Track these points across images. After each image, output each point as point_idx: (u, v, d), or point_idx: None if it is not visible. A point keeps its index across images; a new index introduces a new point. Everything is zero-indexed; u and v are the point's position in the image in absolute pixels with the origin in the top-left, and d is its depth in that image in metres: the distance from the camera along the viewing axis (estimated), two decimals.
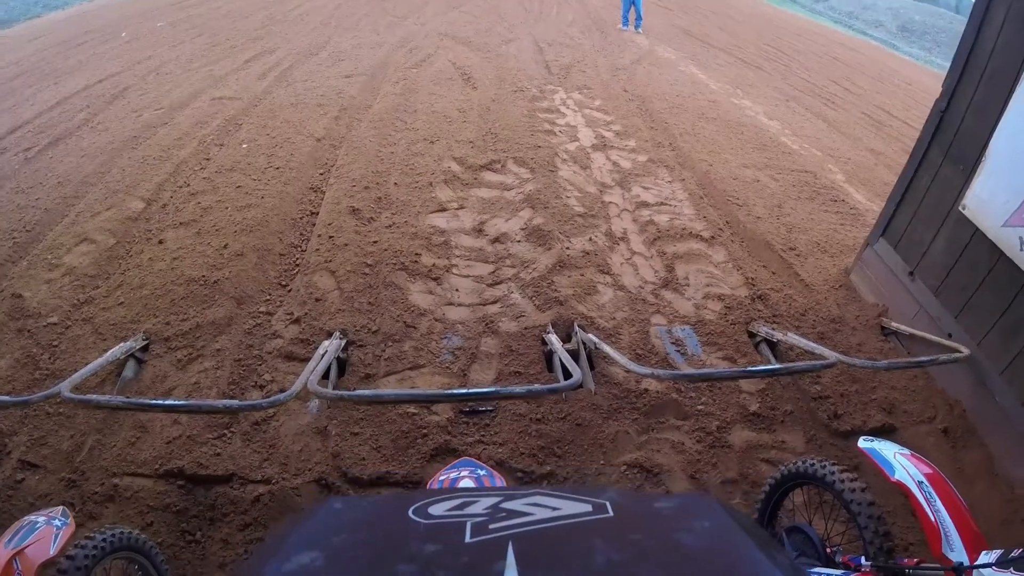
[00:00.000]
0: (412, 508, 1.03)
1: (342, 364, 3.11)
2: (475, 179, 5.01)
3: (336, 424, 2.81)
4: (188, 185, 4.74)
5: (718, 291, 3.86)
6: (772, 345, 3.38)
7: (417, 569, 0.88)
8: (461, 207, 4.60)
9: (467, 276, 3.86)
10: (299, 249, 4.04)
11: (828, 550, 1.86)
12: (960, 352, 2.95)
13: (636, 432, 2.88)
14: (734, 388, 3.11)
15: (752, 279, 3.96)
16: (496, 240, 4.21)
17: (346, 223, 4.21)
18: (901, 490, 1.83)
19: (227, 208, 4.38)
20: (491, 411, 2.91)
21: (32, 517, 1.76)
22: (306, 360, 3.04)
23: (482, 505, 1.03)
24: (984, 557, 1.58)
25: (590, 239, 4.25)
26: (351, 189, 4.66)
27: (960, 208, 3.12)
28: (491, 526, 0.96)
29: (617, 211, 4.76)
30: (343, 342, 3.18)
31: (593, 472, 2.70)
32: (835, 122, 7.73)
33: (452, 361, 3.21)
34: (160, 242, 4.01)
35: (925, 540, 1.76)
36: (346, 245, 3.97)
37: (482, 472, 1.94)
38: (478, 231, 4.31)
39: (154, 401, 2.53)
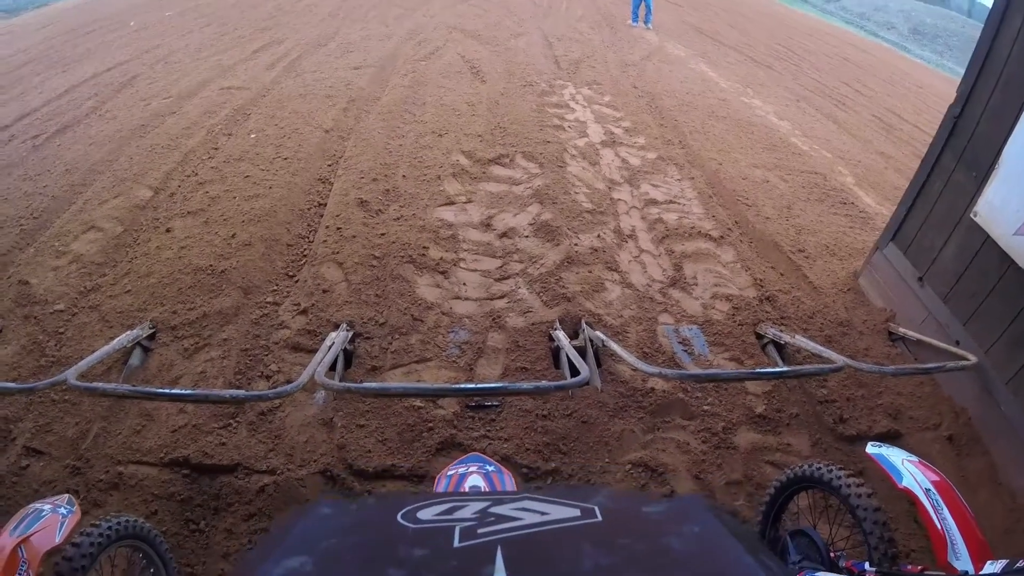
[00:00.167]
0: (401, 513, 1.02)
1: (348, 356, 3.11)
2: (483, 173, 5.00)
3: (342, 416, 2.81)
4: (196, 174, 4.73)
5: (726, 291, 3.85)
6: (779, 347, 3.37)
7: (406, 574, 0.88)
8: (469, 201, 4.59)
9: (475, 270, 3.86)
10: (307, 240, 4.04)
11: (832, 555, 1.85)
12: (967, 360, 2.93)
13: (642, 431, 2.88)
14: (740, 389, 3.11)
15: (760, 280, 3.95)
16: (504, 235, 4.20)
17: (354, 215, 4.21)
18: (908, 497, 1.82)
19: (235, 198, 4.37)
20: (497, 406, 2.91)
21: (37, 505, 1.76)
22: (313, 351, 3.04)
23: (471, 510, 1.03)
24: (989, 567, 1.58)
25: (598, 236, 4.23)
26: (359, 181, 4.65)
27: (972, 215, 3.09)
28: (480, 531, 0.96)
29: (626, 208, 4.74)
30: (350, 334, 3.18)
31: (598, 470, 2.70)
32: (845, 124, 7.68)
33: (459, 355, 3.21)
34: (168, 231, 4.02)
35: (930, 548, 1.75)
36: (354, 237, 3.97)
37: (491, 468, 1.94)
38: (486, 225, 4.30)
39: (160, 390, 2.52)
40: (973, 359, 2.92)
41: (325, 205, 4.40)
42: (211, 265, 3.64)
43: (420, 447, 2.71)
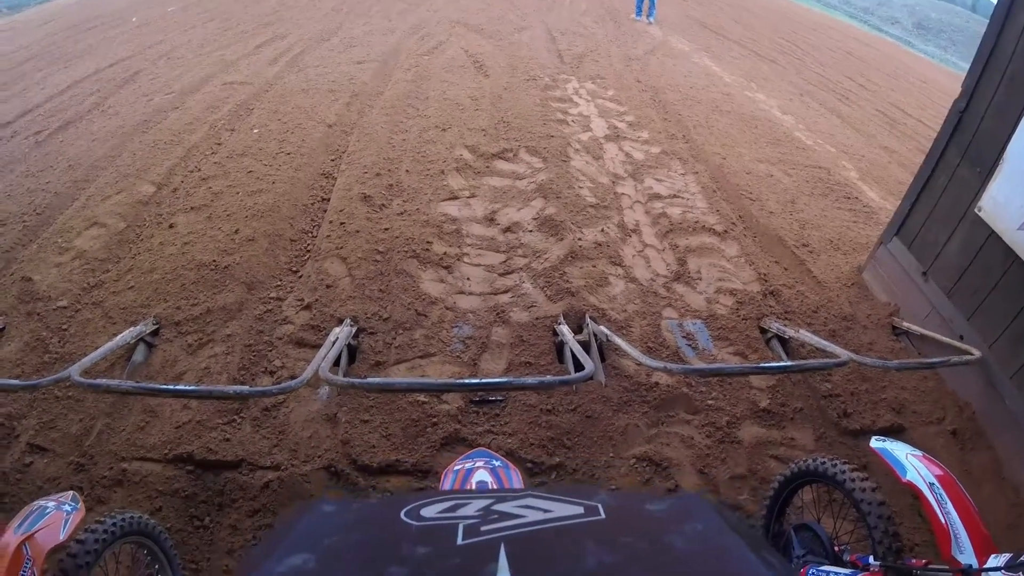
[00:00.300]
0: (404, 510, 1.03)
1: (352, 351, 3.12)
2: (487, 167, 4.99)
3: (346, 411, 2.81)
4: (199, 169, 4.73)
5: (730, 286, 3.84)
6: (783, 342, 3.37)
7: (409, 571, 0.88)
8: (473, 195, 4.58)
9: (478, 265, 3.85)
10: (310, 235, 4.04)
11: (836, 548, 1.85)
12: (971, 354, 2.93)
13: (646, 425, 2.88)
14: (744, 384, 3.10)
15: (764, 275, 3.94)
16: (508, 229, 4.19)
17: (357, 210, 4.20)
18: (912, 491, 1.82)
19: (238, 193, 4.37)
20: (501, 401, 2.91)
21: (42, 502, 1.77)
22: (316, 347, 3.05)
23: (474, 507, 1.03)
24: (993, 560, 1.58)
25: (602, 230, 4.22)
26: (362, 176, 4.65)
27: (976, 210, 3.08)
28: (483, 528, 0.96)
29: (630, 203, 4.73)
30: (354, 329, 3.18)
31: (602, 464, 2.70)
32: (849, 118, 7.64)
33: (463, 350, 3.21)
34: (171, 226, 4.02)
35: (934, 541, 1.75)
36: (357, 232, 3.97)
37: (497, 463, 1.94)
38: (490, 220, 4.30)
39: (164, 386, 2.53)
40: (977, 354, 2.92)
41: (328, 200, 4.40)
42: (214, 261, 3.64)
43: (424, 442, 2.72)
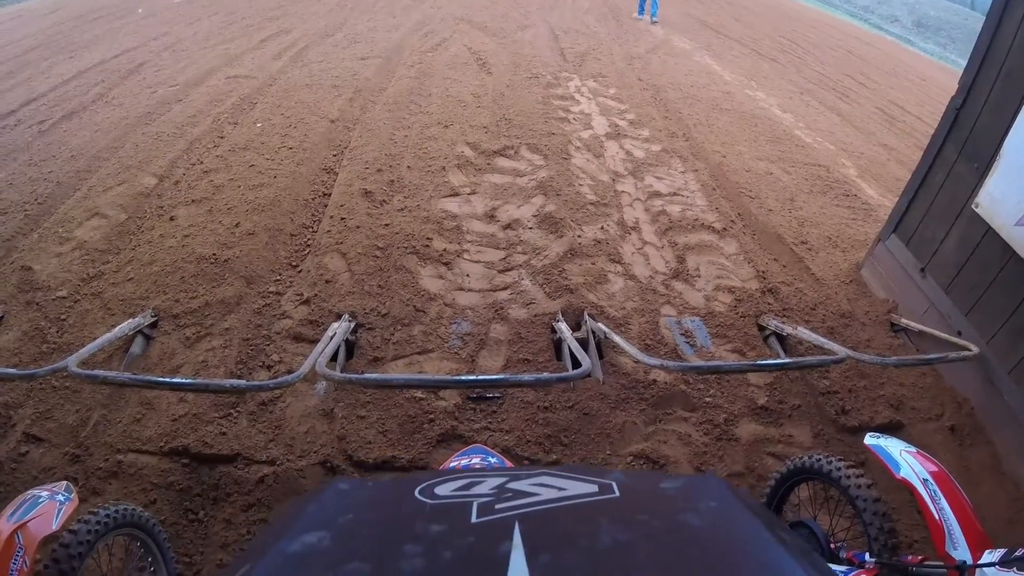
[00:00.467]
0: (418, 488, 1.02)
1: (350, 347, 3.12)
2: (488, 164, 4.98)
3: (343, 407, 2.81)
4: (201, 162, 4.73)
5: (729, 283, 3.84)
6: (781, 339, 3.37)
7: (423, 549, 0.88)
8: (473, 192, 4.57)
9: (478, 262, 3.85)
10: (310, 230, 4.04)
11: (832, 546, 1.85)
12: (969, 350, 2.93)
13: (643, 423, 2.88)
14: (742, 381, 3.10)
15: (763, 272, 3.93)
16: (508, 226, 4.19)
17: (358, 205, 4.20)
18: (906, 487, 1.82)
19: (239, 187, 4.37)
20: (498, 398, 2.91)
21: (35, 491, 1.76)
22: (314, 342, 3.04)
23: (488, 485, 1.03)
24: (987, 556, 1.58)
25: (602, 228, 4.22)
26: (364, 171, 4.65)
27: (973, 206, 3.09)
28: (497, 506, 0.95)
29: (629, 200, 4.73)
30: (352, 325, 3.18)
31: (599, 462, 2.70)
32: (849, 116, 7.63)
33: (461, 347, 3.21)
34: (171, 219, 4.02)
35: (930, 538, 1.75)
36: (358, 227, 3.97)
37: (493, 460, 1.94)
38: (490, 217, 4.29)
39: (161, 379, 2.52)
40: (975, 349, 2.92)
41: (330, 195, 4.40)
42: (214, 254, 3.64)
43: (421, 438, 2.72)
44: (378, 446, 2.67)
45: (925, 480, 1.75)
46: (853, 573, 1.70)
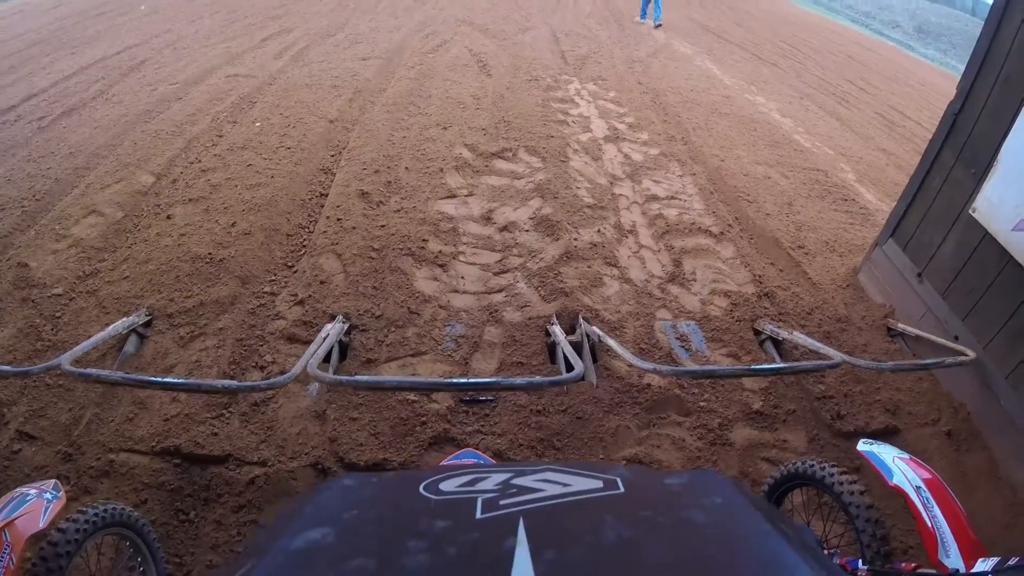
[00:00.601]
0: (423, 484, 1.02)
1: (344, 348, 3.10)
2: (486, 166, 4.98)
3: (335, 408, 2.80)
4: (199, 161, 4.73)
5: (725, 287, 3.82)
6: (777, 343, 3.35)
7: (428, 545, 0.88)
8: (471, 194, 4.57)
9: (473, 264, 3.84)
10: (306, 230, 4.03)
11: (826, 552, 1.83)
12: (966, 355, 2.91)
13: (637, 427, 2.86)
14: (737, 385, 3.09)
15: (760, 276, 3.92)
16: (504, 228, 4.18)
17: (355, 206, 4.19)
18: (899, 494, 1.80)
19: (236, 186, 4.37)
20: (492, 401, 2.89)
21: (23, 489, 1.75)
22: (308, 342, 3.03)
23: (493, 481, 1.03)
24: (980, 565, 1.56)
25: (598, 231, 4.21)
26: (361, 172, 4.64)
27: (970, 211, 3.08)
28: (502, 502, 0.96)
29: (627, 204, 4.72)
30: (346, 326, 3.17)
31: None
32: (848, 121, 7.63)
33: (454, 349, 3.20)
34: (168, 217, 4.01)
35: (923, 545, 1.73)
36: (354, 228, 3.96)
37: (485, 464, 1.93)
38: (486, 219, 4.29)
39: (152, 378, 2.51)
40: (972, 354, 2.91)
41: (326, 195, 4.39)
42: (210, 253, 3.63)
43: (413, 441, 2.70)
44: (370, 448, 2.66)
45: (918, 487, 1.73)
46: None
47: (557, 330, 3.15)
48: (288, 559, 0.88)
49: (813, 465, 1.88)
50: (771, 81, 8.76)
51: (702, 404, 2.98)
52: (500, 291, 3.62)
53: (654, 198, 4.81)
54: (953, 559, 1.61)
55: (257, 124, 5.38)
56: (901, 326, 3.48)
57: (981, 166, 3.05)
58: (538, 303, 3.51)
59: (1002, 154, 2.89)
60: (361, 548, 0.91)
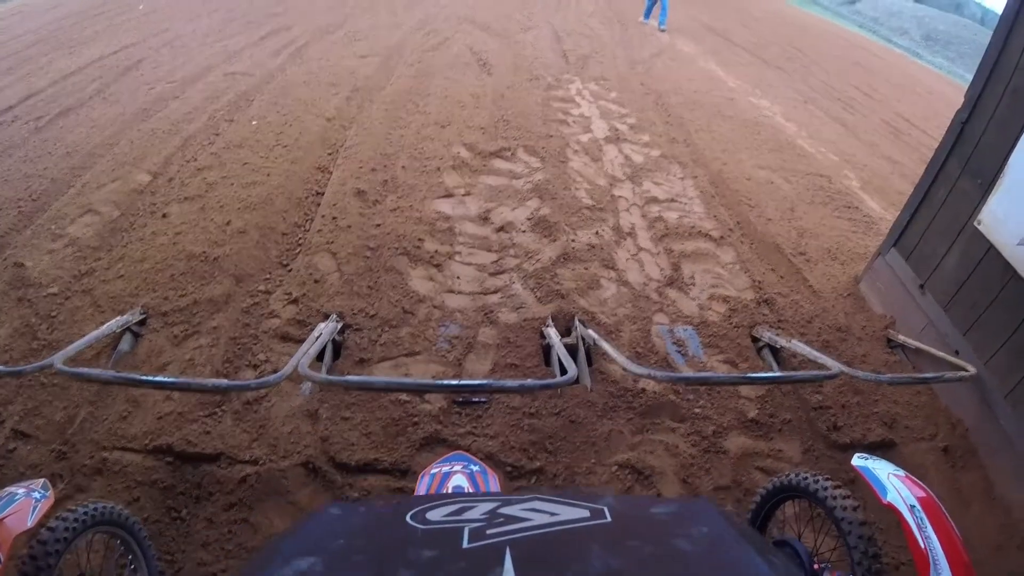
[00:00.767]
0: (410, 514, 1.03)
1: (337, 347, 3.09)
2: (484, 166, 4.95)
3: (327, 408, 2.79)
4: (195, 160, 4.71)
5: (724, 292, 3.79)
6: (775, 351, 3.32)
7: (415, 574, 0.88)
8: (468, 193, 4.54)
9: (469, 264, 3.82)
10: (302, 229, 4.01)
11: (816, 566, 1.81)
12: (966, 371, 2.88)
13: (630, 432, 2.84)
14: (733, 393, 3.06)
15: (759, 282, 3.89)
16: (501, 229, 4.16)
17: (351, 205, 4.18)
18: (892, 512, 1.77)
19: (232, 185, 4.35)
20: (484, 402, 2.87)
21: (12, 489, 1.74)
22: (301, 341, 3.01)
23: (480, 511, 1.03)
24: None
25: (597, 233, 4.19)
26: (358, 170, 4.62)
27: (975, 223, 3.03)
28: (489, 532, 0.96)
29: (626, 205, 4.69)
30: (339, 325, 3.15)
31: (584, 471, 2.67)
32: (853, 127, 7.58)
33: (448, 350, 3.18)
34: (164, 216, 4.00)
35: (914, 567, 1.70)
36: (349, 227, 3.94)
37: (475, 468, 1.91)
38: (483, 219, 4.26)
39: (144, 377, 2.50)
40: (972, 370, 2.87)
41: (323, 194, 4.37)
42: (205, 252, 3.62)
43: (404, 442, 2.68)
44: (361, 448, 2.64)
45: (912, 506, 1.70)
46: None
47: (552, 332, 3.13)
48: None
49: (807, 478, 1.85)
50: (776, 84, 8.72)
51: (697, 411, 2.95)
52: (496, 292, 3.60)
53: (654, 200, 4.78)
54: None
55: (254, 122, 5.36)
56: (901, 338, 3.45)
57: (987, 178, 3.01)
58: (534, 305, 3.49)
59: (1009, 166, 2.85)
60: None
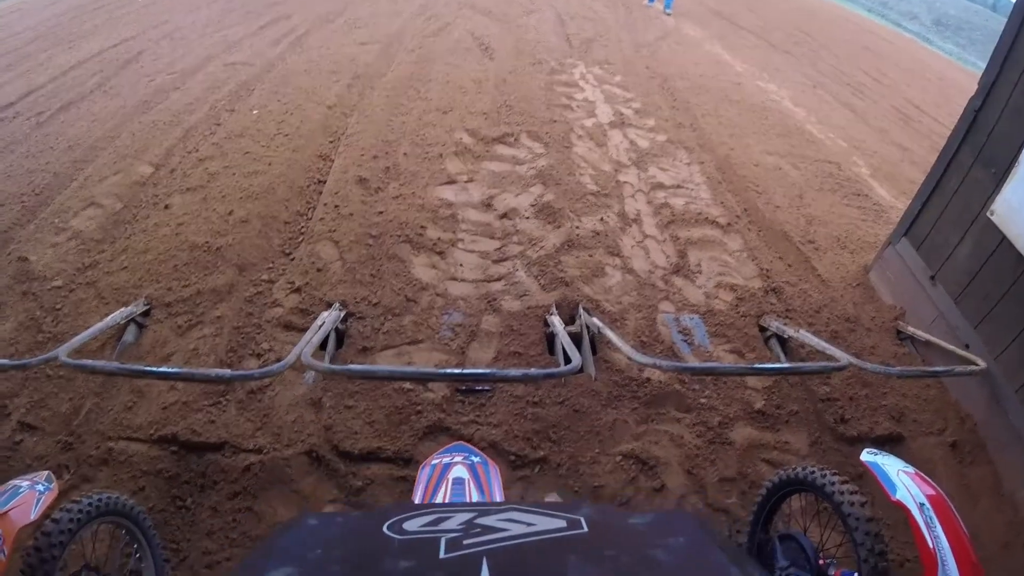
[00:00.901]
0: (387, 524, 1.03)
1: (340, 336, 3.08)
2: (487, 152, 4.90)
3: (330, 396, 2.78)
4: (197, 150, 4.68)
5: (731, 281, 3.75)
6: (783, 341, 3.29)
7: None
8: (471, 180, 4.50)
9: (472, 251, 3.79)
10: (304, 217, 3.99)
11: (821, 562, 1.79)
12: (976, 365, 2.84)
13: (635, 422, 2.82)
14: (739, 383, 3.03)
15: (767, 271, 3.85)
16: (504, 215, 4.12)
17: (353, 192, 4.14)
18: (901, 510, 1.75)
19: (234, 174, 4.32)
20: (488, 391, 2.86)
21: (16, 481, 1.75)
22: (304, 330, 3.00)
23: (457, 521, 1.03)
24: None
25: (601, 219, 4.15)
26: (360, 158, 4.58)
27: (988, 214, 2.96)
28: (466, 542, 0.96)
29: (631, 191, 4.64)
30: (342, 314, 3.14)
31: (587, 460, 2.65)
32: (862, 113, 7.47)
33: (451, 338, 3.16)
34: (166, 207, 3.98)
35: (920, 566, 1.68)
36: (351, 215, 3.91)
37: (476, 459, 1.90)
38: (486, 205, 4.23)
39: (147, 368, 2.51)
40: (982, 364, 2.82)
41: (324, 182, 4.33)
42: (207, 242, 3.60)
43: (407, 430, 2.68)
44: (364, 437, 2.64)
45: (922, 504, 1.67)
46: None
47: (556, 320, 3.10)
48: None
49: (814, 472, 1.83)
50: (783, 69, 8.59)
51: (703, 401, 2.93)
52: (499, 279, 3.57)
53: (660, 186, 4.73)
54: None
55: (255, 112, 5.31)
56: (911, 330, 3.40)
57: (1001, 167, 2.94)
58: (537, 292, 3.46)
59: (1023, 156, 2.79)
60: None
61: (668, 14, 10.43)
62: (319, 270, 3.46)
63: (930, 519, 1.63)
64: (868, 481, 2.28)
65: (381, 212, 3.95)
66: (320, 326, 2.88)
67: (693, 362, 3.14)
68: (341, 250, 3.62)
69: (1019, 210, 2.77)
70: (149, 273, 3.40)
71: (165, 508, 2.39)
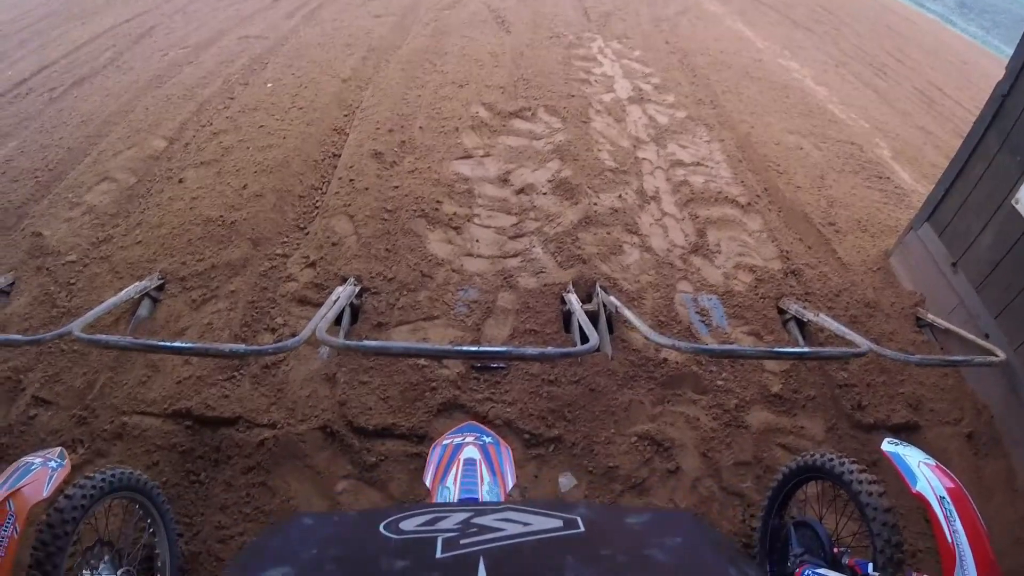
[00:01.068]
0: (383, 523, 1.03)
1: (355, 311, 3.07)
2: (503, 126, 4.83)
3: (345, 372, 2.78)
4: (211, 124, 4.65)
5: (750, 261, 3.69)
6: (802, 324, 3.24)
7: None
8: (487, 155, 4.44)
9: (488, 227, 3.75)
10: (319, 191, 3.96)
11: (836, 550, 1.78)
12: (996, 356, 2.78)
13: (651, 403, 2.80)
14: (757, 366, 3.00)
15: (787, 252, 3.78)
16: (521, 191, 4.07)
17: (368, 166, 4.10)
18: (921, 502, 1.72)
19: (248, 148, 4.29)
20: (503, 368, 2.84)
21: (29, 458, 1.77)
22: (319, 305, 2.99)
23: (453, 520, 1.03)
24: None
25: (620, 196, 4.08)
26: (375, 132, 4.53)
27: (1013, 202, 2.88)
28: (462, 541, 0.96)
29: (650, 168, 4.56)
30: (357, 289, 3.12)
31: (602, 440, 2.64)
32: (885, 94, 7.26)
33: (467, 314, 3.14)
34: (180, 181, 3.97)
35: (937, 556, 1.66)
36: (366, 189, 3.88)
37: (488, 439, 1.89)
38: (503, 180, 4.17)
39: (161, 343, 2.51)
40: (1002, 355, 2.77)
41: (339, 156, 4.30)
42: (222, 216, 3.59)
43: (422, 407, 2.68)
44: (378, 413, 2.65)
45: (942, 497, 1.65)
46: None
47: (573, 298, 3.07)
48: None
49: (832, 459, 1.81)
50: (806, 46, 8.36)
51: (719, 383, 2.90)
52: (515, 256, 3.54)
53: (679, 164, 4.65)
54: None
55: (269, 85, 5.26)
56: (931, 317, 3.34)
57: None
58: (554, 269, 3.43)
59: None
60: None
61: None
62: (334, 244, 3.44)
63: (950, 512, 1.61)
64: (882, 469, 2.26)
65: (396, 186, 3.91)
66: (335, 301, 2.87)
67: (711, 343, 3.10)
68: (356, 224, 3.60)
69: None
70: (163, 247, 3.40)
71: (179, 483, 2.41)
